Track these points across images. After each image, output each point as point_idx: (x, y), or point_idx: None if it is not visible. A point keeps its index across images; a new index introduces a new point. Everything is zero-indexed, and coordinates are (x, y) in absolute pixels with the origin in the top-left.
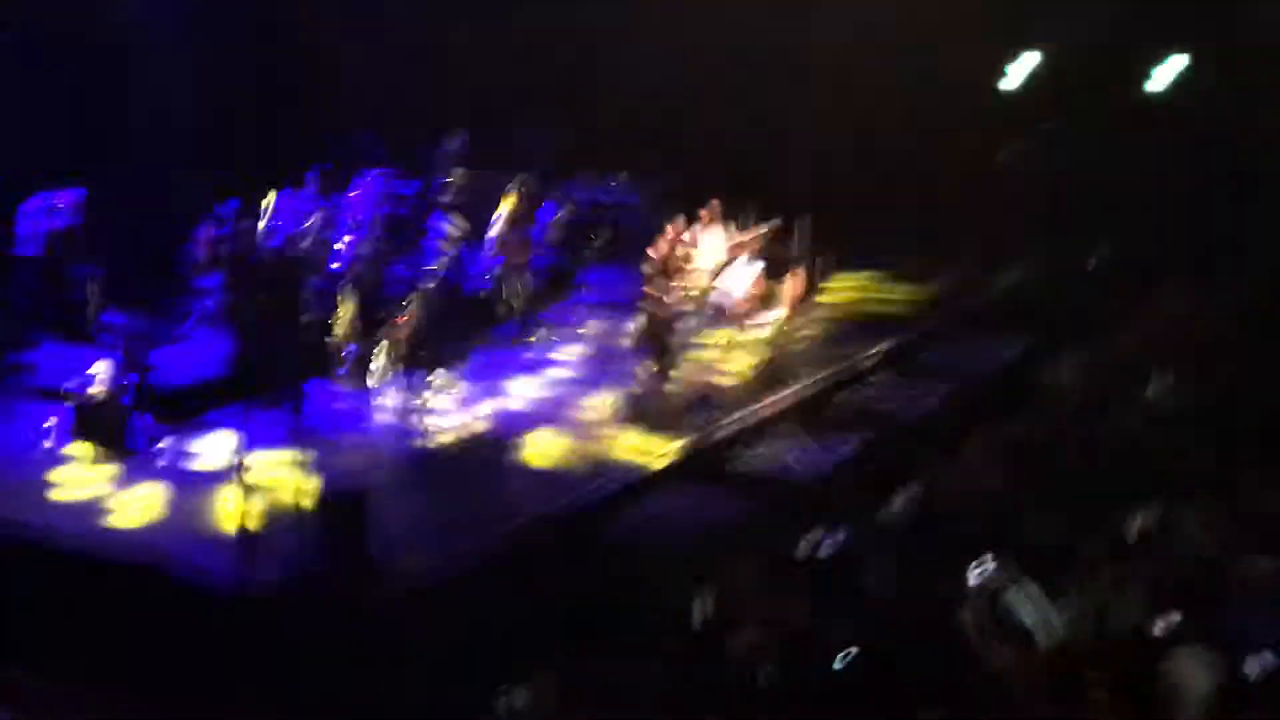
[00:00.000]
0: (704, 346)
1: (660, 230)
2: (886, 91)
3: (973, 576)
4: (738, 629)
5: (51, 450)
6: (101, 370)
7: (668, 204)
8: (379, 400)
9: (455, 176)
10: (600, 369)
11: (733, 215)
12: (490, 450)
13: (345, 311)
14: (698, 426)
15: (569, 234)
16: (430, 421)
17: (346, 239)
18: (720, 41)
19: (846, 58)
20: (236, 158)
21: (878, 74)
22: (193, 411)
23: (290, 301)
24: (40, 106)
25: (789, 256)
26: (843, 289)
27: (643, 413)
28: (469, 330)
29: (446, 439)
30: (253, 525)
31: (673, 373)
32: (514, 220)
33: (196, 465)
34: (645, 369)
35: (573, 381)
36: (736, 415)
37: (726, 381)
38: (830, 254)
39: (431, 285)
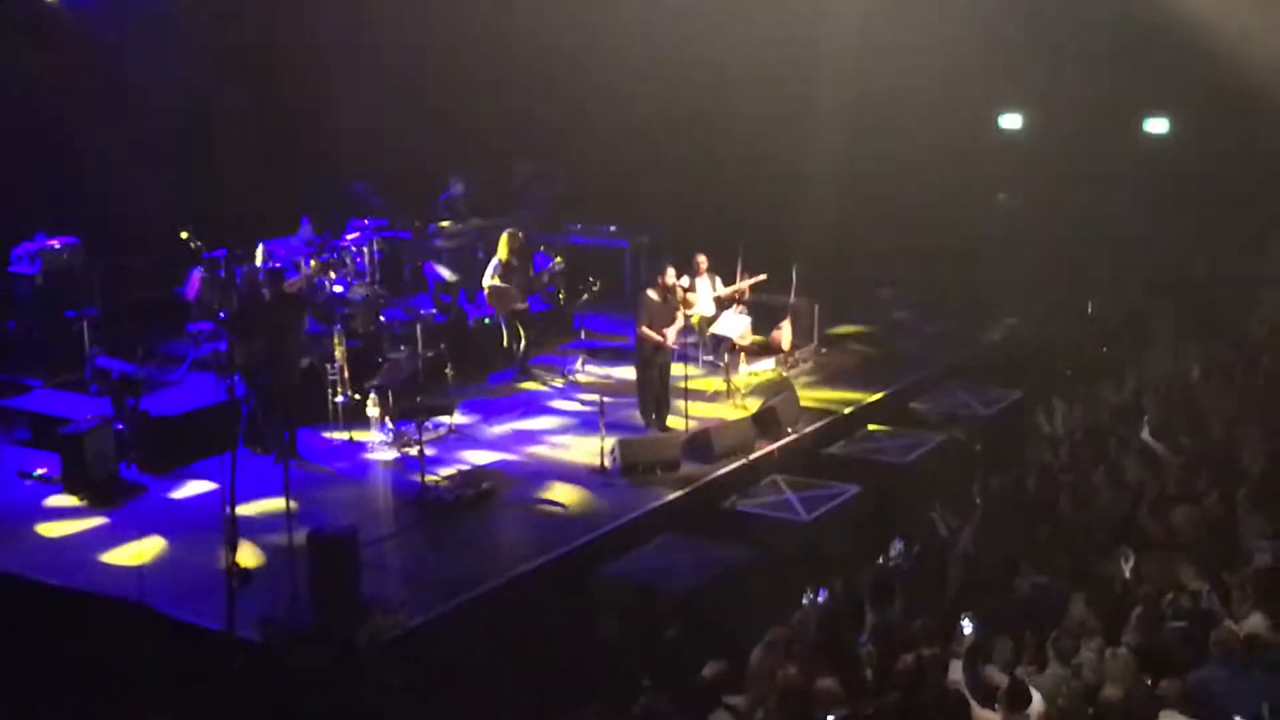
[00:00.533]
0: (700, 393)
1: (652, 280)
2: (878, 146)
3: (963, 631)
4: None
5: (41, 495)
6: (93, 415)
7: (658, 254)
8: (372, 445)
9: (449, 225)
10: (596, 414)
11: (721, 268)
12: (484, 496)
13: (339, 357)
14: (693, 472)
15: (563, 281)
16: (424, 467)
17: (339, 286)
18: (713, 97)
19: (837, 113)
20: (230, 203)
21: (869, 130)
22: (183, 456)
23: (284, 346)
24: (36, 153)
25: (779, 306)
26: (834, 338)
27: (639, 457)
28: (463, 376)
29: (440, 485)
30: (242, 570)
31: (669, 418)
32: (507, 268)
33: (186, 510)
34: (641, 414)
35: (568, 427)
36: (732, 461)
37: (721, 427)
38: (821, 304)
39: (426, 331)
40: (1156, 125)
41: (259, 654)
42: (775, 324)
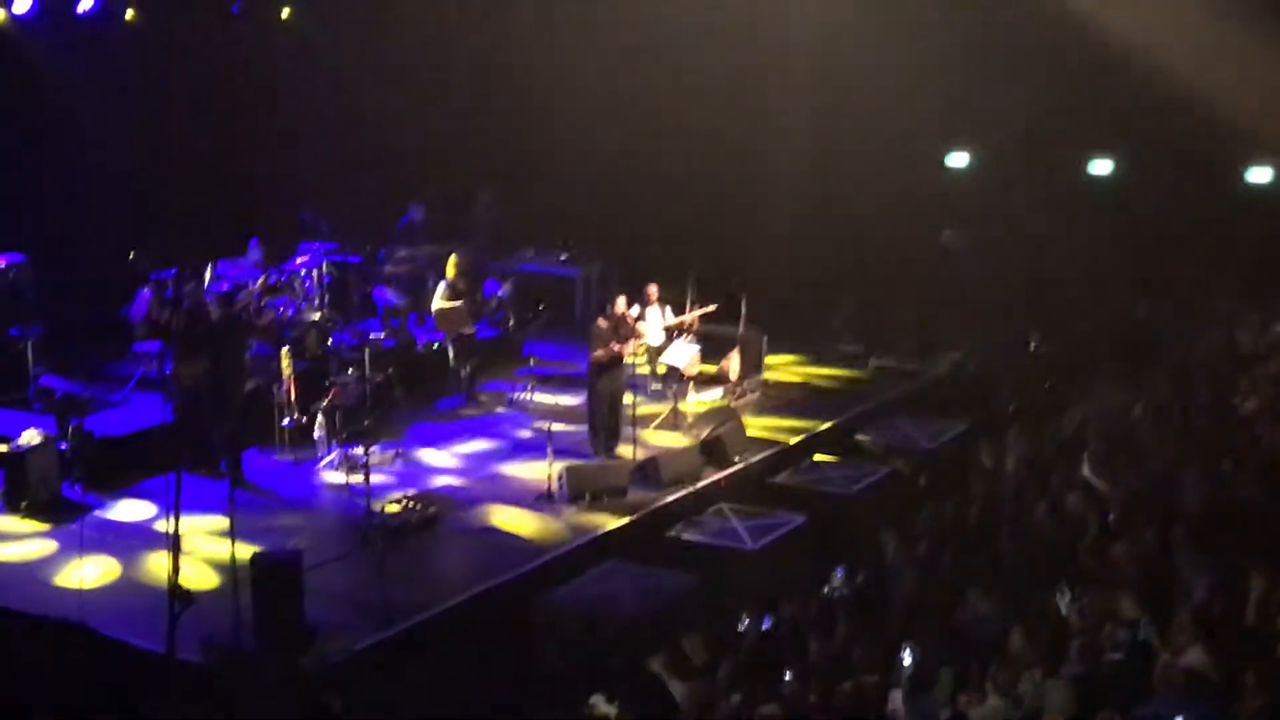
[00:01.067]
0: (648, 421)
1: (602, 307)
2: (827, 182)
3: (903, 661)
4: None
5: None
6: (34, 434)
7: (609, 281)
8: (319, 468)
9: (398, 250)
10: (544, 441)
11: (670, 297)
12: (430, 521)
13: (287, 379)
14: (640, 499)
15: (512, 307)
16: (370, 491)
17: (288, 309)
18: (665, 131)
19: (787, 149)
20: (178, 224)
21: (819, 166)
22: (127, 476)
23: (231, 367)
24: None
25: (727, 336)
26: (781, 368)
27: (586, 485)
28: (411, 401)
29: (386, 509)
30: (184, 592)
31: (617, 445)
32: (455, 291)
33: (129, 530)
34: (590, 441)
35: (516, 453)
36: (679, 489)
37: (669, 455)
38: (768, 335)
39: (374, 355)
40: (1101, 166)
41: (201, 677)
42: (724, 354)
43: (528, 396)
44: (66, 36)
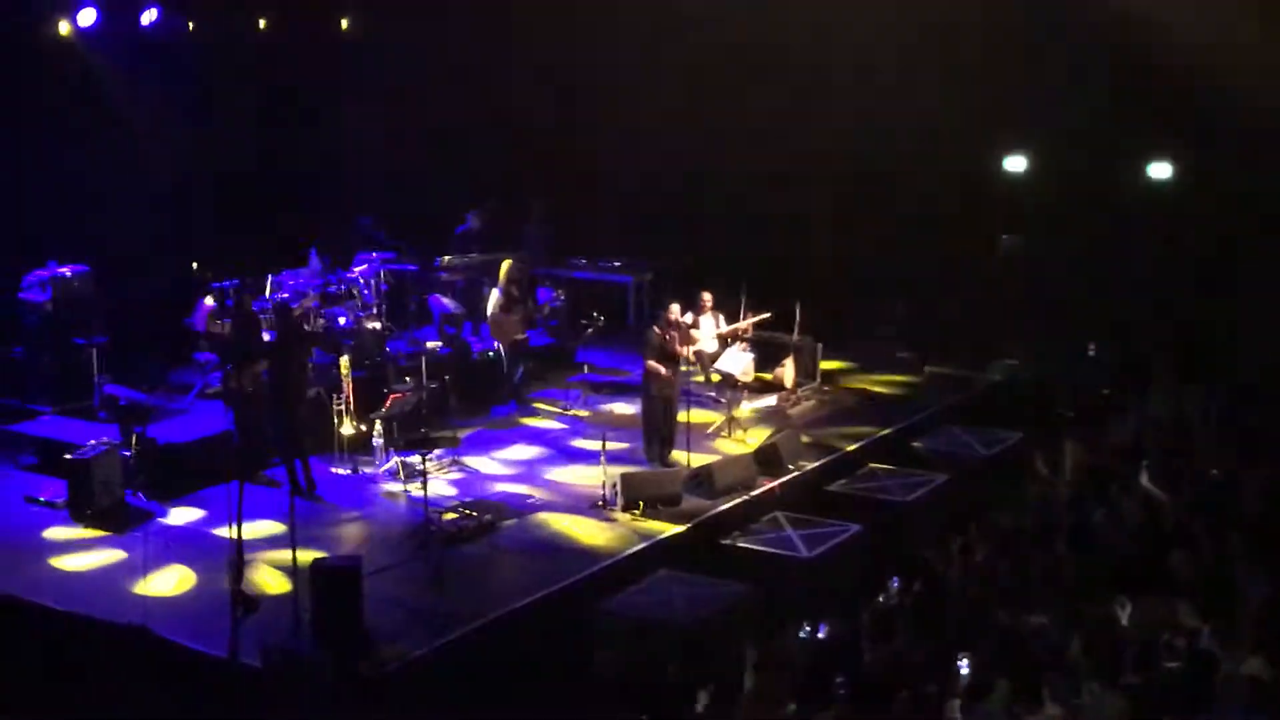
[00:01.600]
0: (703, 428)
1: (656, 315)
2: (881, 184)
3: (960, 670)
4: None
5: (47, 520)
6: (99, 443)
7: (662, 289)
8: (376, 476)
9: (454, 259)
10: (598, 449)
11: (724, 304)
12: (485, 529)
13: (346, 387)
14: (694, 507)
15: (566, 315)
16: (427, 499)
17: (346, 318)
18: (717, 133)
19: (841, 154)
20: (240, 234)
21: (873, 171)
22: (190, 484)
23: (292, 377)
24: (49, 181)
25: (781, 343)
26: (836, 376)
27: (640, 492)
28: (467, 408)
29: (443, 516)
30: (246, 598)
31: (671, 453)
32: (509, 298)
33: (191, 538)
34: (644, 449)
35: (570, 461)
36: (733, 498)
37: (723, 463)
38: (822, 342)
39: (430, 363)
40: (1159, 170)
41: (260, 681)
42: (778, 362)
43: (581, 404)
44: (130, 49)
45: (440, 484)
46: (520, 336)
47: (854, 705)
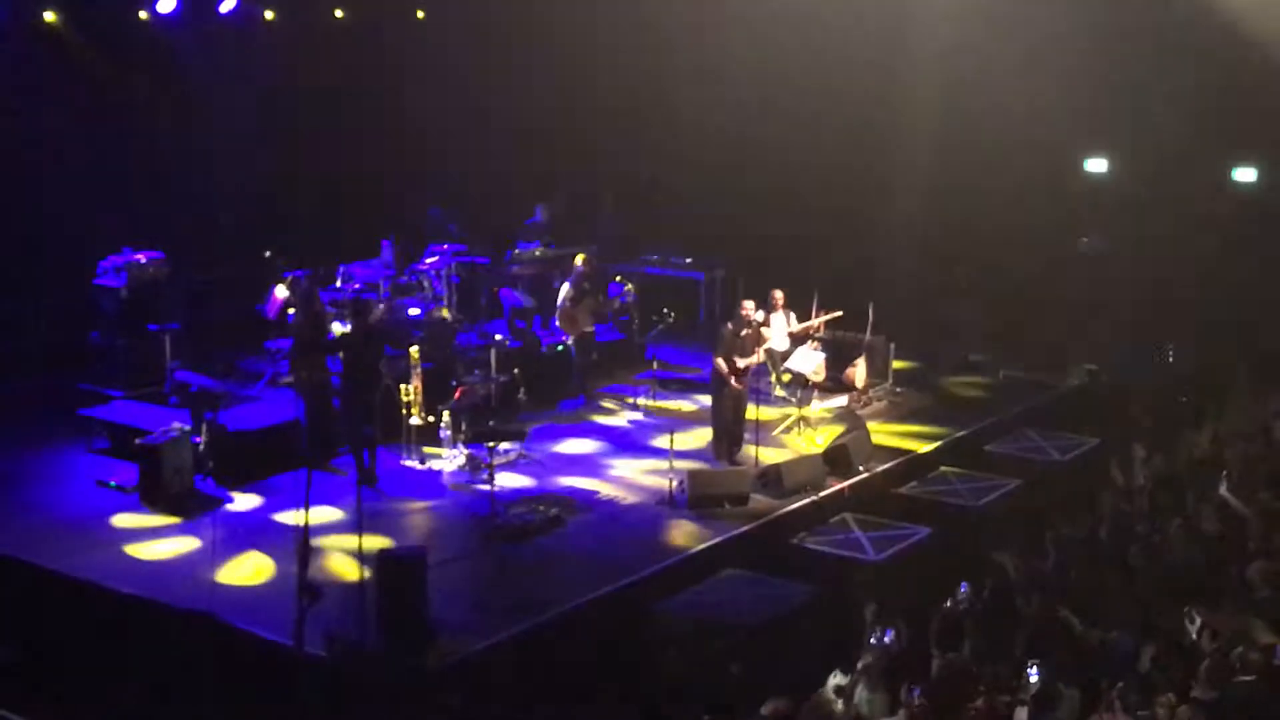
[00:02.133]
0: (772, 427)
1: (727, 312)
2: (961, 186)
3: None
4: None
5: (117, 504)
6: (171, 428)
7: (734, 286)
8: (444, 468)
9: (525, 252)
10: (665, 445)
11: (796, 303)
12: (552, 523)
13: (415, 379)
14: (762, 507)
15: (636, 310)
16: (494, 492)
17: (416, 309)
18: (794, 135)
19: (919, 153)
20: (313, 223)
21: (952, 170)
22: (259, 471)
23: (363, 366)
24: (124, 168)
25: (853, 343)
26: (908, 376)
27: (708, 490)
28: (535, 402)
29: (508, 510)
30: (312, 587)
31: (740, 451)
32: (579, 295)
33: (259, 525)
34: (712, 446)
35: (638, 456)
36: (801, 498)
37: (792, 463)
38: (894, 342)
39: (500, 356)
40: (1245, 174)
41: (325, 671)
42: (850, 361)
43: (650, 400)
44: (207, 36)
45: (507, 477)
46: (588, 330)
47: (922, 712)
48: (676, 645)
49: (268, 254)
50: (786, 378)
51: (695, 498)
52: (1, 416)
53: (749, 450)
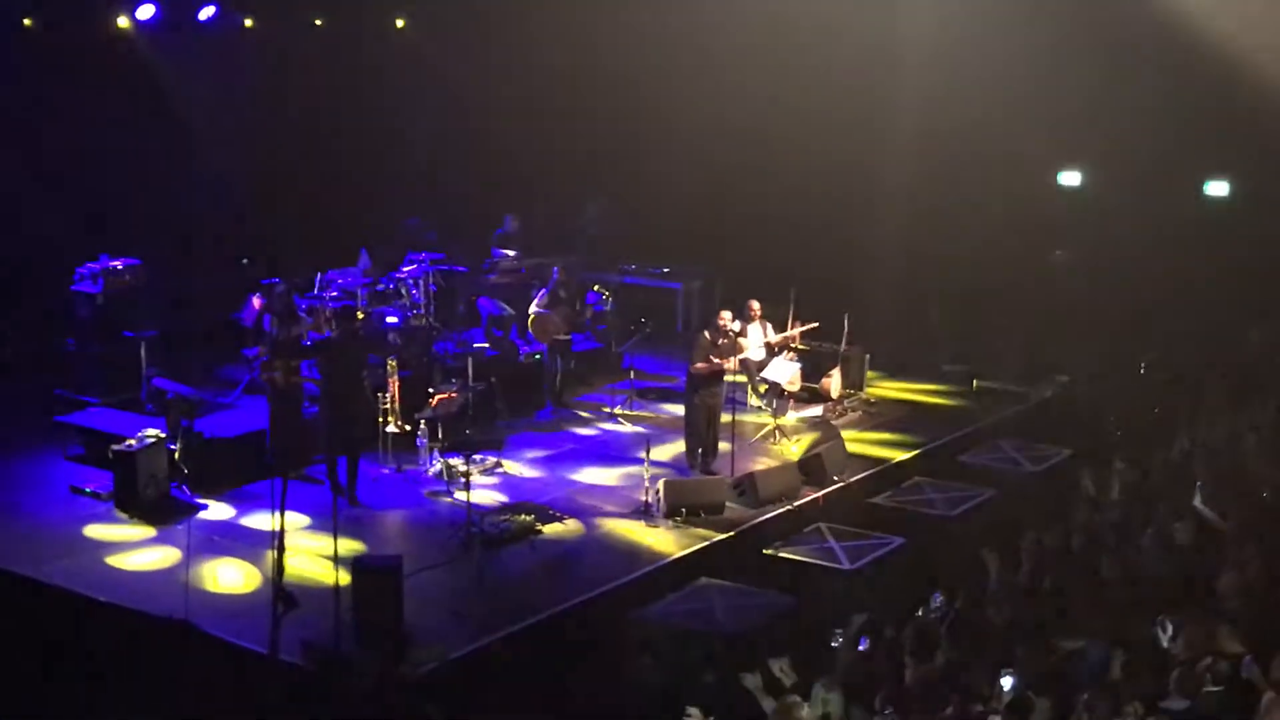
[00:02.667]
0: (747, 436)
1: (704, 321)
2: (935, 199)
3: (1003, 688)
4: None
5: (92, 511)
6: (147, 435)
7: (711, 296)
8: (420, 477)
9: (502, 261)
10: (641, 454)
11: (772, 313)
12: (527, 531)
13: (392, 387)
14: (737, 516)
15: (613, 320)
16: (469, 500)
17: (394, 317)
18: (773, 147)
19: (894, 165)
20: (290, 231)
21: (927, 182)
22: (234, 478)
23: (343, 375)
24: (101, 175)
25: (829, 353)
26: (883, 387)
27: (683, 499)
28: (512, 411)
29: (484, 518)
30: (287, 595)
31: (715, 460)
32: (555, 304)
33: (234, 532)
34: (688, 456)
35: (613, 465)
36: (776, 507)
37: (767, 473)
38: (870, 353)
39: (477, 365)
40: (1217, 187)
41: (300, 679)
42: (825, 372)
43: (626, 409)
44: (186, 43)
45: (483, 486)
46: (561, 338)
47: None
48: (652, 653)
49: (244, 261)
50: (763, 388)
51: (670, 507)
52: None
53: (724, 460)
